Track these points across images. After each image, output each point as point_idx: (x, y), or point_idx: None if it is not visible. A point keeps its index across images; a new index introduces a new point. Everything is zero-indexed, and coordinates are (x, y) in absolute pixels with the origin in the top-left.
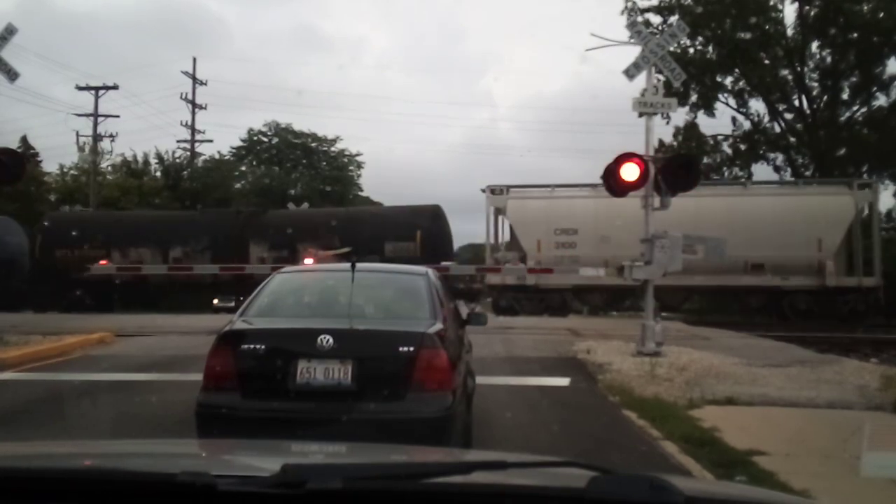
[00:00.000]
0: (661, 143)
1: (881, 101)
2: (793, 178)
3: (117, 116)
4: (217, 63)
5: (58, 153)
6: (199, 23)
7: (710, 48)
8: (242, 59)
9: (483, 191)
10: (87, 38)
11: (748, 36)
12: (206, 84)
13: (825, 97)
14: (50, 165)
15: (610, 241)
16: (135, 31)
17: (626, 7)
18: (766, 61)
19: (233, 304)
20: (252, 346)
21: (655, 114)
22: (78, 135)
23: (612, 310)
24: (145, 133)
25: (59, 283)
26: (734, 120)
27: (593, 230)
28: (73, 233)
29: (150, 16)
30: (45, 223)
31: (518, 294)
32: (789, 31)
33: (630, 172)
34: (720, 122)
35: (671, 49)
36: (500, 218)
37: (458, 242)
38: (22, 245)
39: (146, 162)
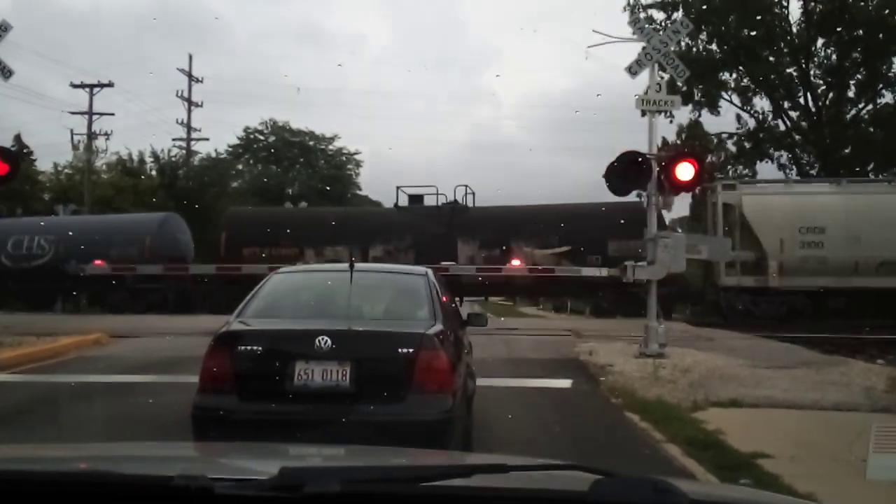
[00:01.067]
0: (664, 141)
1: (887, 98)
2: None
3: (112, 114)
4: (214, 60)
5: (52, 151)
6: (195, 19)
7: (714, 45)
8: (240, 56)
9: (706, 187)
10: (84, 34)
11: (753, 33)
12: (202, 81)
13: (830, 95)
14: (44, 164)
15: (860, 242)
16: (132, 27)
17: (628, 3)
18: (771, 59)
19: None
20: (249, 348)
21: (659, 112)
22: (72, 133)
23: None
24: (141, 131)
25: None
26: (739, 118)
27: (843, 229)
28: (268, 230)
29: (147, 11)
30: (231, 220)
31: (756, 297)
32: (794, 28)
33: (636, 171)
34: (724, 119)
35: (674, 46)
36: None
37: None
38: (190, 243)
39: (142, 160)
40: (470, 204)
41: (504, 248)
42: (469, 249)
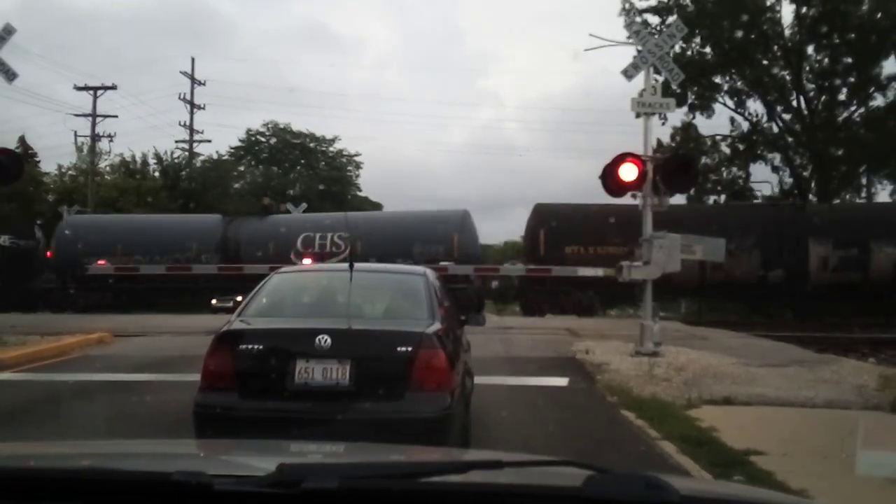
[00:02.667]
0: (659, 143)
1: (879, 101)
2: None
3: (115, 116)
4: (217, 63)
5: (57, 153)
6: (199, 22)
7: (708, 49)
8: (242, 59)
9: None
10: (89, 36)
11: (746, 35)
12: (204, 84)
13: (823, 97)
14: (49, 165)
15: None
16: (137, 29)
17: (624, 8)
18: (764, 62)
19: (231, 304)
20: (250, 346)
21: (654, 114)
22: (76, 135)
23: None
24: (145, 133)
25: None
26: (732, 120)
27: None
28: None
29: (151, 14)
30: (550, 219)
31: None
32: (787, 32)
33: (628, 173)
34: (718, 122)
35: (669, 49)
36: None
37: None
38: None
39: (145, 162)
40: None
41: (863, 247)
42: (822, 250)
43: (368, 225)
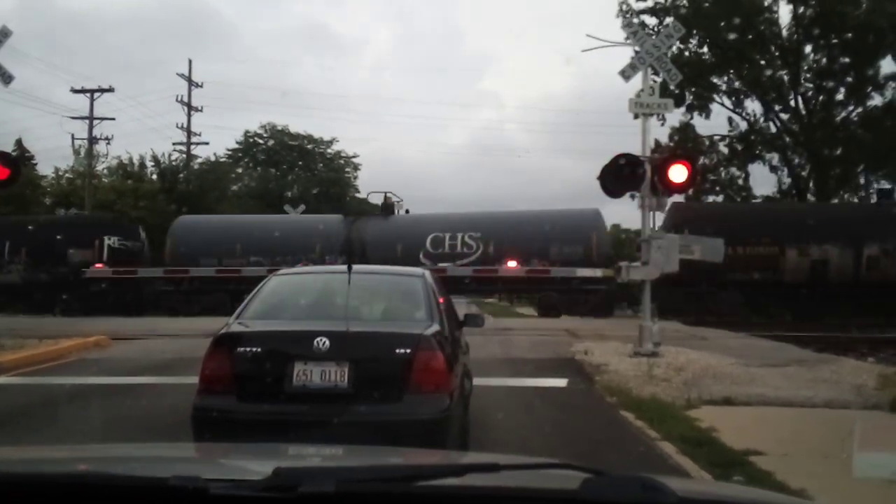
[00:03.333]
0: (657, 143)
1: (876, 101)
2: None
3: (112, 119)
4: (214, 65)
5: (54, 156)
6: (199, 23)
7: (705, 49)
8: (242, 60)
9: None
10: (88, 38)
11: (742, 36)
12: (201, 86)
13: (820, 97)
14: (46, 168)
15: None
16: (136, 31)
17: (621, 9)
18: (762, 62)
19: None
20: (248, 349)
21: (652, 114)
22: (73, 138)
23: None
24: (142, 135)
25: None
26: (730, 120)
27: None
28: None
29: (149, 16)
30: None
31: None
32: (784, 32)
33: (628, 172)
34: (716, 122)
35: (667, 50)
36: None
37: None
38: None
39: (142, 164)
40: None
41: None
42: None
43: (499, 224)
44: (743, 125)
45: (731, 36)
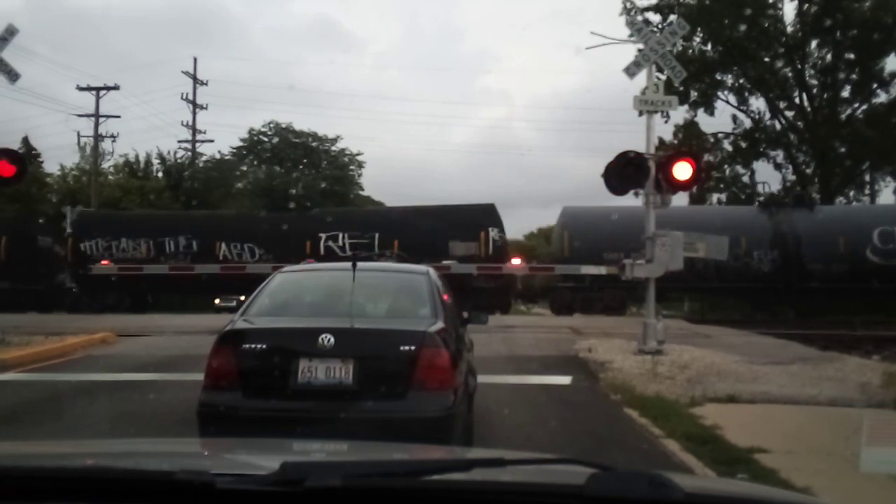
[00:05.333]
0: (661, 141)
1: (881, 98)
2: None
3: (118, 117)
4: (223, 61)
5: (60, 153)
6: (206, 20)
7: (709, 46)
8: (248, 58)
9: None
10: (95, 35)
11: (747, 32)
12: (206, 84)
13: (825, 94)
14: (52, 166)
15: None
16: (144, 29)
17: (625, 6)
18: (766, 59)
19: (234, 303)
20: (253, 346)
21: (656, 112)
22: (79, 135)
23: None
24: (148, 133)
25: None
26: (735, 118)
27: None
28: None
29: (158, 12)
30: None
31: None
32: (789, 29)
33: (632, 170)
34: (721, 119)
35: (671, 47)
36: None
37: None
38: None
39: (148, 162)
40: None
41: None
42: None
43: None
44: (747, 122)
45: (738, 30)
